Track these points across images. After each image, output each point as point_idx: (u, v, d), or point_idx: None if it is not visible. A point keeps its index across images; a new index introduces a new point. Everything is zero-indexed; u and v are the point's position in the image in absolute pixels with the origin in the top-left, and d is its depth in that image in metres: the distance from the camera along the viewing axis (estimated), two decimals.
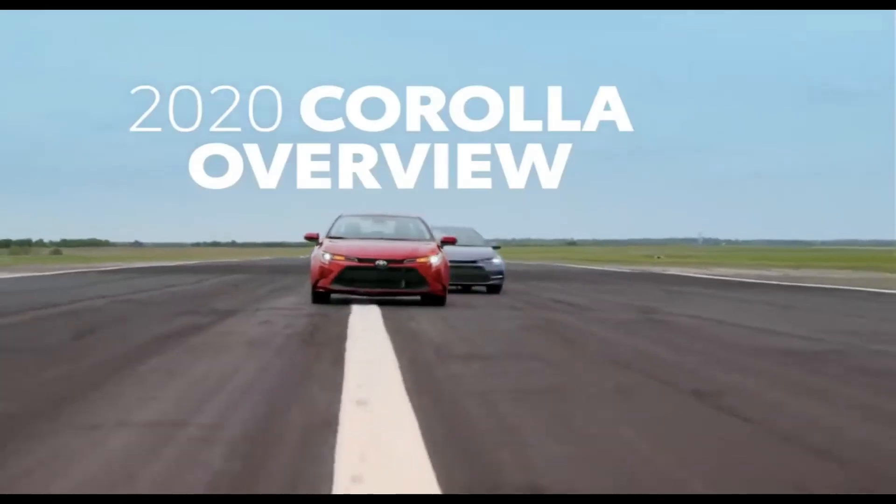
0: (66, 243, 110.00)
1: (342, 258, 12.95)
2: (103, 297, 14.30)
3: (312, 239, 13.81)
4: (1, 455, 3.50)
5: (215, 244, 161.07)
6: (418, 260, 13.01)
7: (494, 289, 17.29)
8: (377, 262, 12.87)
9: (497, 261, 17.41)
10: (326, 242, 13.48)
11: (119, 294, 15.46)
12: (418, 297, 13.24)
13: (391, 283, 12.92)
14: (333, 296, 13.31)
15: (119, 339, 7.85)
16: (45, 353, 6.83)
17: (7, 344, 7.56)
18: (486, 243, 18.36)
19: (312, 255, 13.50)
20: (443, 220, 17.77)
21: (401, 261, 12.94)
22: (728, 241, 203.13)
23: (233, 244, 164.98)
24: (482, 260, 17.29)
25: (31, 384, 5.35)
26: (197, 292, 16.68)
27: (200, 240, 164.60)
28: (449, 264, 14.35)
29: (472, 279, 17.21)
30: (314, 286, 13.02)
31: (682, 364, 6.61)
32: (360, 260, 12.92)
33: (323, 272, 12.92)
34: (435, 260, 13.10)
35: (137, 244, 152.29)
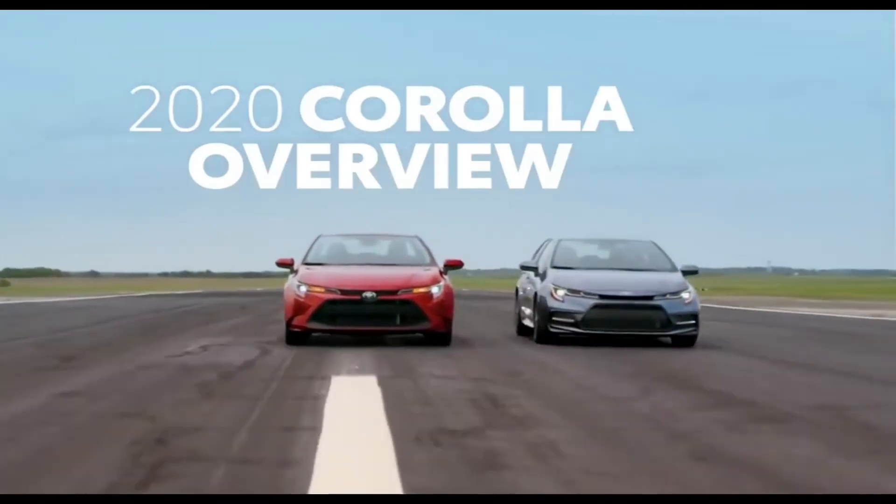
0: (9, 273, 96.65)
1: (321, 290, 11.29)
2: (214, 302, 28.42)
3: (286, 266, 12.17)
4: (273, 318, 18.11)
5: (186, 274, 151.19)
6: (416, 290, 11.28)
7: (683, 341, 11.87)
8: (364, 295, 11.15)
9: (688, 296, 11.91)
10: (302, 270, 11.83)
11: (215, 303, 29.41)
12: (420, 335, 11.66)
13: (382, 318, 11.28)
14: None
15: (261, 309, 22.64)
16: (240, 312, 21.57)
17: (219, 310, 21.84)
18: (674, 266, 12.75)
19: (286, 286, 11.88)
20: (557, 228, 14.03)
21: (394, 292, 11.25)
22: (801, 271, 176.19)
23: (207, 274, 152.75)
24: (662, 295, 11.82)
25: (252, 315, 19.99)
26: (264, 300, 30.72)
27: (167, 269, 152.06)
28: (603, 302, 11.61)
29: (643, 325, 11.75)
30: (288, 325, 11.43)
31: None
32: (342, 292, 11.25)
33: (298, 307, 11.27)
34: (436, 290, 11.36)
35: (94, 274, 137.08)
